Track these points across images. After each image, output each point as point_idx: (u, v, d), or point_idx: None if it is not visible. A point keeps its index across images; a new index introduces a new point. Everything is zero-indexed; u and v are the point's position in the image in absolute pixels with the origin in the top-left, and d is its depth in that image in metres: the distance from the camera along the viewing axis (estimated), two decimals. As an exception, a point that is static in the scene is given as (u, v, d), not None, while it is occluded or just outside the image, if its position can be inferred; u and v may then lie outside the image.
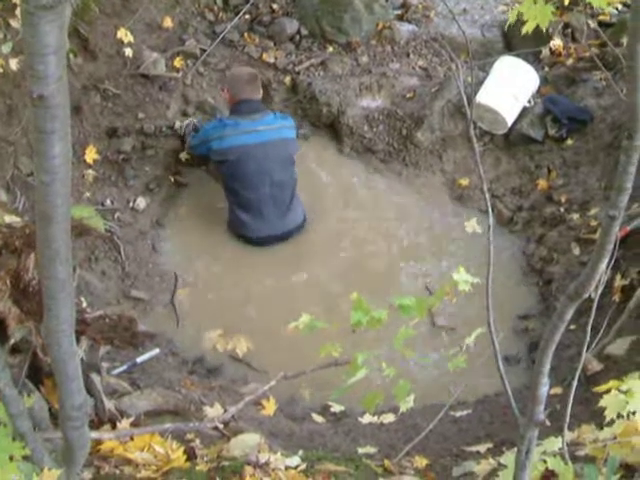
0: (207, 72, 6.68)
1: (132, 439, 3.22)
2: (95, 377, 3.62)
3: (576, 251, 5.34)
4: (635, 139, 1.64)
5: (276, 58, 6.92)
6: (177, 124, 6.15)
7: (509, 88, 6.28)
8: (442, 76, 6.85)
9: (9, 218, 3.55)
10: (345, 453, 3.65)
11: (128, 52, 6.19)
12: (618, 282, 4.71)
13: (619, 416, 2.67)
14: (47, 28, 1.36)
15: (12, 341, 3.22)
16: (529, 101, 6.38)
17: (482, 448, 3.60)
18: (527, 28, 2.57)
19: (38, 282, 3.17)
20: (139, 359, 4.37)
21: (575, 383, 2.41)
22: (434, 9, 7.56)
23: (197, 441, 3.44)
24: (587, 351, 2.72)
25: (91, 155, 5.78)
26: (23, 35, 1.39)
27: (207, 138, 5.73)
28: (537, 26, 2.55)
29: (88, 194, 5.65)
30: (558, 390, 3.98)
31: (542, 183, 6.04)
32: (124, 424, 3.45)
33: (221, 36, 6.85)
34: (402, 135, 6.50)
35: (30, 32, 1.37)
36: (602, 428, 2.86)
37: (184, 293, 5.39)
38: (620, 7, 6.80)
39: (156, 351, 4.55)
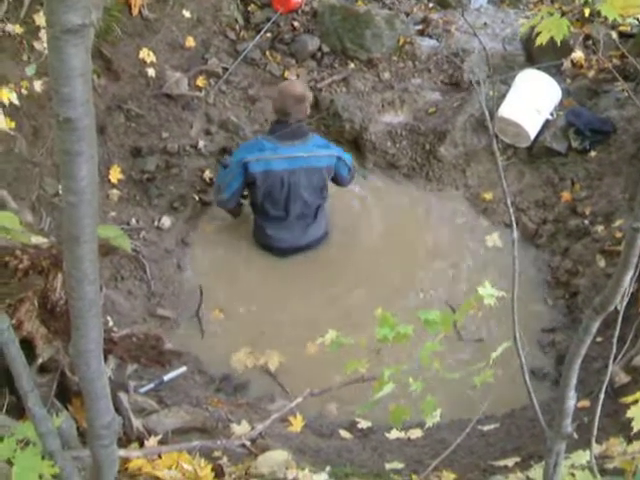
0: (230, 90, 6.71)
1: (160, 457, 3.22)
2: (123, 395, 3.63)
3: (601, 263, 5.32)
4: (657, 151, 1.64)
5: (298, 75, 6.94)
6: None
7: (531, 101, 6.27)
8: (464, 90, 6.85)
9: (35, 239, 3.57)
10: (373, 469, 3.65)
11: (151, 72, 6.24)
12: (644, 294, 4.68)
13: (647, 428, 2.66)
14: (73, 51, 1.38)
15: (40, 360, 3.23)
16: (551, 114, 6.37)
17: (510, 462, 3.59)
18: (541, 39, 2.56)
19: (65, 302, 3.19)
20: (166, 377, 4.37)
21: (602, 396, 2.40)
22: (455, 24, 7.57)
23: (225, 459, 3.43)
24: (614, 363, 2.72)
25: (115, 175, 5.82)
26: (49, 59, 1.41)
27: (243, 159, 5.60)
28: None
29: (113, 214, 5.68)
30: (586, 403, 3.96)
31: (566, 195, 6.02)
32: (152, 442, 3.45)
33: (243, 54, 6.88)
34: (425, 150, 6.51)
35: (56, 56, 1.39)
36: (630, 440, 2.85)
37: (209, 311, 5.40)
38: (641, 18, 6.80)
39: (183, 369, 4.56)
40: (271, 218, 5.80)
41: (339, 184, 6.08)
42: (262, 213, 5.82)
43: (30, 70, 5.17)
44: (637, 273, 1.93)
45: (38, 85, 5.18)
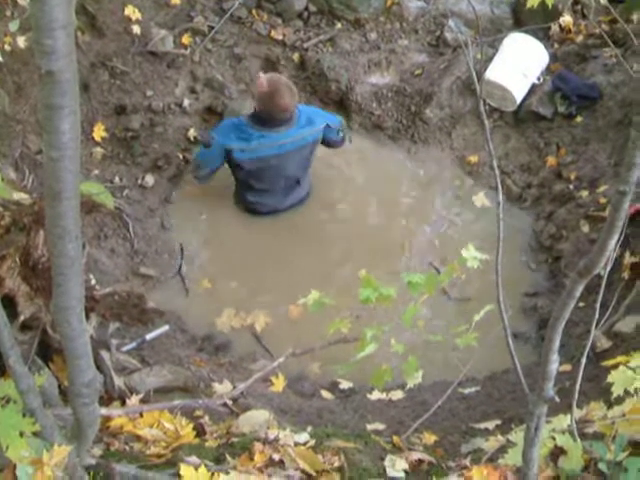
0: (215, 49, 6.65)
1: (141, 416, 3.23)
2: (105, 354, 3.63)
3: (585, 228, 5.33)
4: (646, 115, 1.63)
5: (284, 35, 6.88)
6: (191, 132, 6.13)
7: (518, 65, 6.25)
8: (451, 53, 6.82)
9: (18, 195, 3.55)
10: (354, 429, 3.66)
11: (136, 29, 6.17)
12: (627, 259, 4.70)
13: (627, 393, 2.67)
14: (55, 2, 1.36)
15: (22, 318, 3.22)
16: (538, 78, 6.35)
17: (491, 425, 3.60)
18: (532, 2, 2.54)
19: (47, 259, 3.18)
20: (148, 336, 4.37)
21: (584, 360, 2.41)
22: (443, -15, 7.51)
23: (206, 418, 3.44)
24: (596, 328, 2.72)
25: (99, 133, 5.79)
26: (31, 10, 1.38)
27: (226, 145, 5.50)
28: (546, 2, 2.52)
29: (96, 172, 5.65)
30: (567, 367, 3.98)
31: (551, 160, 6.02)
32: (133, 401, 3.46)
33: (229, 13, 6.81)
34: (411, 112, 6.49)
35: (38, 6, 1.36)
36: (611, 405, 2.86)
37: (192, 270, 5.40)
38: (631, -17, 6.76)
39: (165, 328, 4.55)
40: (255, 190, 5.77)
41: (331, 146, 6.02)
42: (245, 185, 5.79)
43: (13, 26, 5.10)
44: (622, 238, 1.93)
45: (21, 41, 5.12)
